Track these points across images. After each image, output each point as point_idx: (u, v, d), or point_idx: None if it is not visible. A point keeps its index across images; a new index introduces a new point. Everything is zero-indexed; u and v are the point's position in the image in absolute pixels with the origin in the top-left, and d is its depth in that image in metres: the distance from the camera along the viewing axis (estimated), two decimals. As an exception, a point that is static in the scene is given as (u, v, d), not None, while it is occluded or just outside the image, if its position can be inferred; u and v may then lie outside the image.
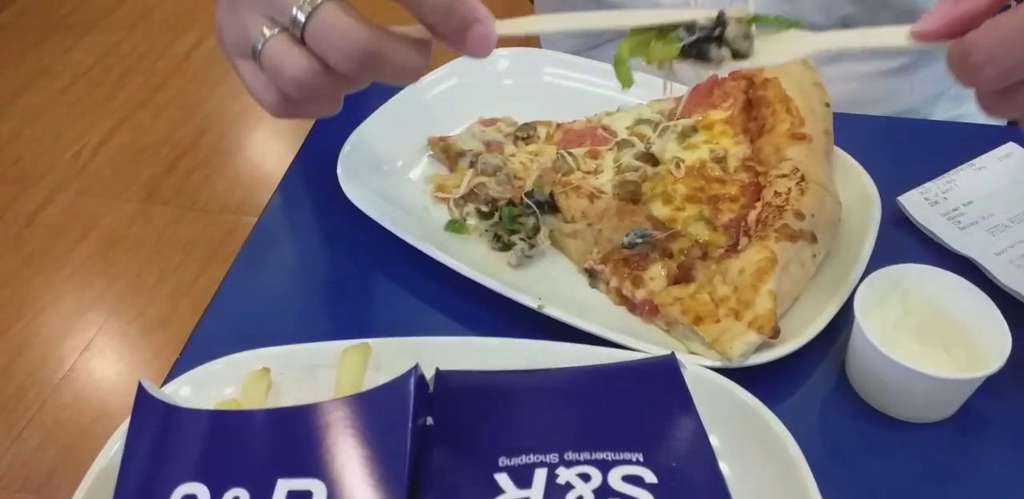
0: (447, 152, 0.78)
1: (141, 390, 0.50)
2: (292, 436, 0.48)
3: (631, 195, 0.71)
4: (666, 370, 0.52)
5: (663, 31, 0.50)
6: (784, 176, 0.67)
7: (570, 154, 0.75)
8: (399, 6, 0.46)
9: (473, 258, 0.69)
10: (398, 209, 0.73)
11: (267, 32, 0.47)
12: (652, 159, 0.73)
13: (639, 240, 0.66)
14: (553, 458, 0.47)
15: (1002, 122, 1.01)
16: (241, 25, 0.49)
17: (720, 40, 0.49)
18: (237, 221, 2.05)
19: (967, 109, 1.00)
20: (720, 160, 0.71)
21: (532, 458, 0.47)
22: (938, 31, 0.45)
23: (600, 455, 0.47)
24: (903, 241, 0.70)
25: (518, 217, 0.71)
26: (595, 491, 0.45)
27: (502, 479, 0.46)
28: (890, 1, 0.84)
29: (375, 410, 0.48)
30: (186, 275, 1.93)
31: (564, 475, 0.46)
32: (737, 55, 0.49)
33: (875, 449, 0.57)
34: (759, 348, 0.59)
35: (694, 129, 0.74)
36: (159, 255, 1.98)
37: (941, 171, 0.73)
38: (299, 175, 0.82)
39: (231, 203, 2.11)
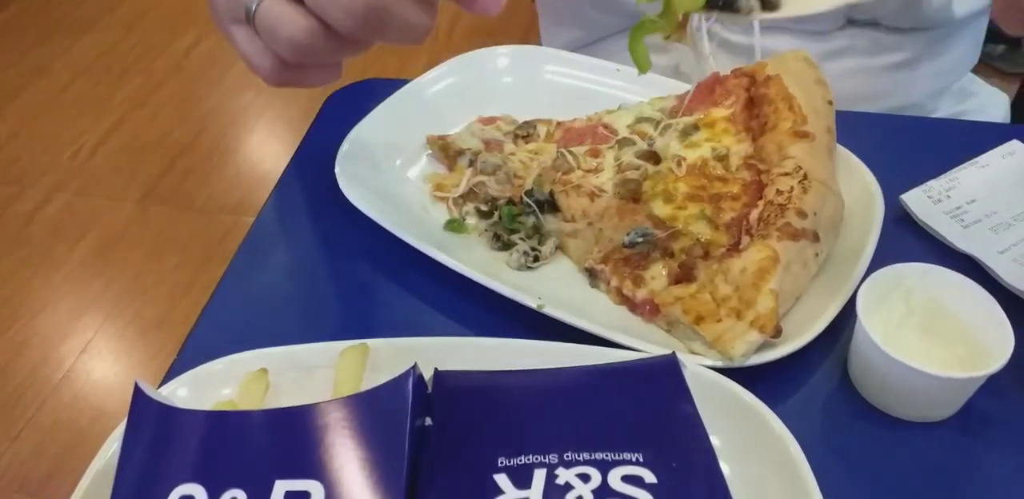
0: (446, 151, 0.78)
1: (138, 391, 0.50)
2: (290, 437, 0.48)
3: (632, 194, 0.70)
4: (667, 370, 0.52)
5: None
6: (786, 174, 0.66)
7: (570, 152, 0.74)
8: None
9: (472, 258, 0.68)
10: (397, 208, 0.73)
11: None
12: (653, 157, 0.73)
13: (640, 239, 0.65)
14: (552, 458, 0.47)
15: (1006, 120, 1.01)
16: None
17: None
18: (235, 221, 2.04)
19: (971, 104, 1.00)
20: (722, 158, 0.71)
21: (531, 458, 0.47)
22: None
23: (600, 455, 0.47)
24: (906, 239, 0.70)
25: (518, 216, 0.71)
26: (594, 491, 0.45)
27: (501, 480, 0.46)
28: None
29: (373, 411, 0.48)
30: (184, 275, 1.92)
31: (563, 475, 0.46)
32: (767, 5, 0.48)
33: (877, 449, 0.57)
34: (761, 348, 0.58)
35: (696, 127, 0.74)
36: (157, 255, 1.98)
37: (944, 169, 0.73)
38: (297, 174, 0.81)
39: (229, 203, 2.10)
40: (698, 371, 0.54)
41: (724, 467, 0.47)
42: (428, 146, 0.80)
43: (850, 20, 0.87)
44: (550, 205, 0.71)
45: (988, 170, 0.72)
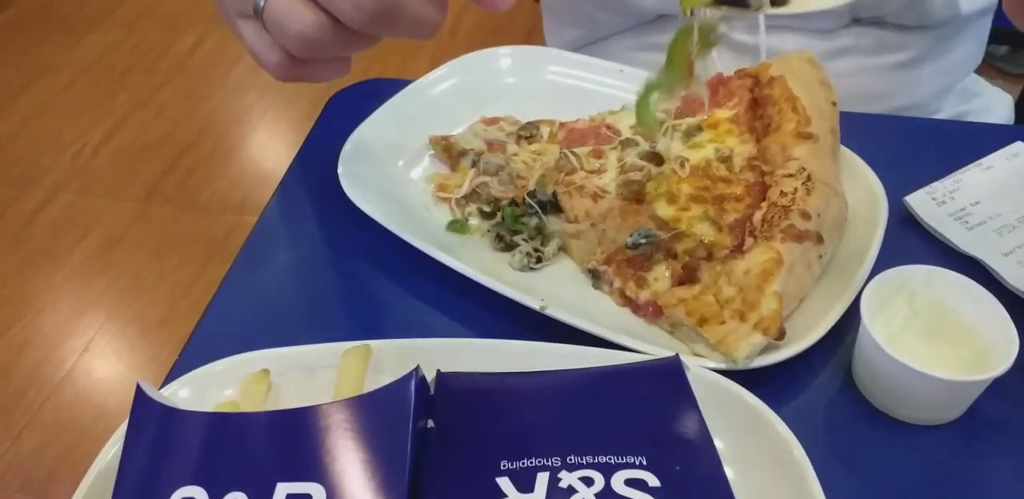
0: (449, 151, 0.78)
1: (139, 392, 0.50)
2: (291, 439, 0.48)
3: (635, 195, 0.70)
4: (670, 372, 0.52)
5: None
6: (790, 176, 0.66)
7: (573, 153, 0.74)
8: None
9: (475, 258, 0.68)
10: (399, 209, 0.73)
11: None
12: (656, 158, 0.73)
13: (643, 240, 0.65)
14: (555, 461, 0.47)
15: (1010, 121, 1.01)
16: None
17: None
18: (237, 221, 2.04)
19: (975, 104, 0.99)
20: (725, 159, 0.71)
21: (534, 461, 0.47)
22: None
23: (603, 458, 0.47)
24: (910, 241, 0.69)
25: (520, 217, 0.71)
26: (598, 495, 0.45)
27: (504, 483, 0.46)
28: None
29: (375, 412, 0.48)
30: (186, 275, 1.92)
31: (566, 479, 0.46)
32: (776, 1, 0.48)
33: (881, 452, 0.57)
34: (764, 350, 0.58)
35: (699, 128, 0.73)
36: (159, 255, 1.98)
37: (948, 171, 0.73)
38: (300, 174, 0.81)
39: (231, 202, 2.10)
40: (701, 373, 0.54)
41: (727, 470, 0.47)
42: (431, 146, 0.79)
43: (855, 18, 0.87)
44: (553, 206, 0.71)
45: (992, 172, 0.72)
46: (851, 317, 0.60)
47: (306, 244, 0.76)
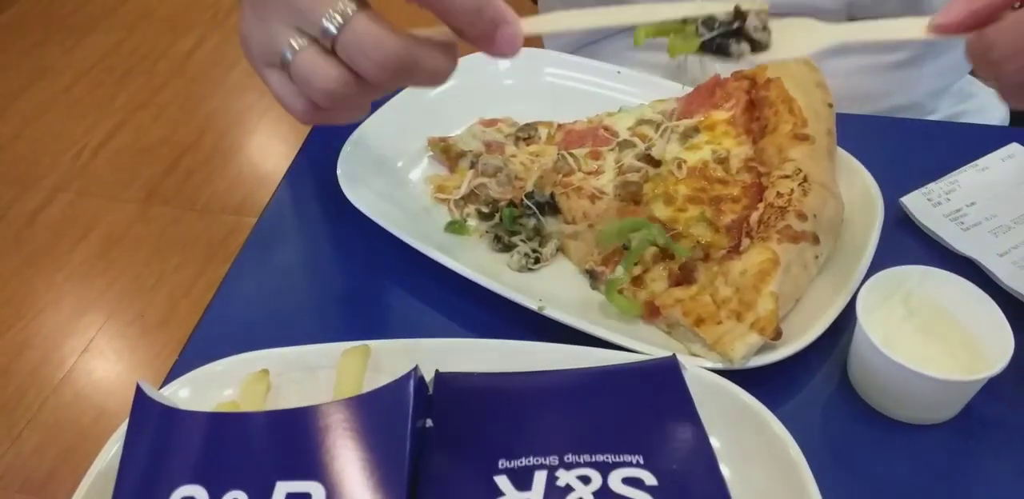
0: (447, 153, 0.78)
1: (139, 392, 0.50)
2: (291, 438, 0.48)
3: (632, 196, 0.71)
4: (667, 372, 0.52)
5: (680, 24, 0.49)
6: (786, 177, 0.67)
7: (571, 155, 0.75)
8: (414, 7, 0.46)
9: (473, 259, 0.68)
10: (398, 210, 0.73)
11: (296, 44, 0.47)
12: (654, 160, 0.73)
13: (640, 241, 0.65)
14: (553, 460, 0.47)
15: (1005, 122, 1.01)
16: (267, 34, 0.48)
17: (739, 33, 0.49)
18: (237, 221, 2.05)
19: (971, 105, 0.99)
20: (722, 161, 0.71)
21: (532, 460, 0.47)
22: (958, 24, 0.46)
23: (600, 457, 0.47)
24: (906, 242, 0.70)
25: (519, 218, 0.71)
26: (595, 493, 0.45)
27: (502, 481, 0.46)
28: None
29: (374, 412, 0.48)
30: (186, 276, 1.92)
31: (564, 477, 0.46)
32: (756, 48, 0.49)
33: (877, 451, 0.57)
34: (760, 350, 0.58)
35: (696, 130, 0.74)
36: (159, 255, 1.98)
37: (944, 172, 0.73)
38: (299, 176, 0.81)
39: (231, 203, 2.10)
40: (698, 373, 0.54)
41: (724, 469, 0.47)
42: (429, 148, 0.80)
43: (852, 18, 0.87)
44: (551, 207, 0.71)
45: (988, 173, 0.72)
46: (847, 317, 0.60)
47: (305, 244, 0.76)
